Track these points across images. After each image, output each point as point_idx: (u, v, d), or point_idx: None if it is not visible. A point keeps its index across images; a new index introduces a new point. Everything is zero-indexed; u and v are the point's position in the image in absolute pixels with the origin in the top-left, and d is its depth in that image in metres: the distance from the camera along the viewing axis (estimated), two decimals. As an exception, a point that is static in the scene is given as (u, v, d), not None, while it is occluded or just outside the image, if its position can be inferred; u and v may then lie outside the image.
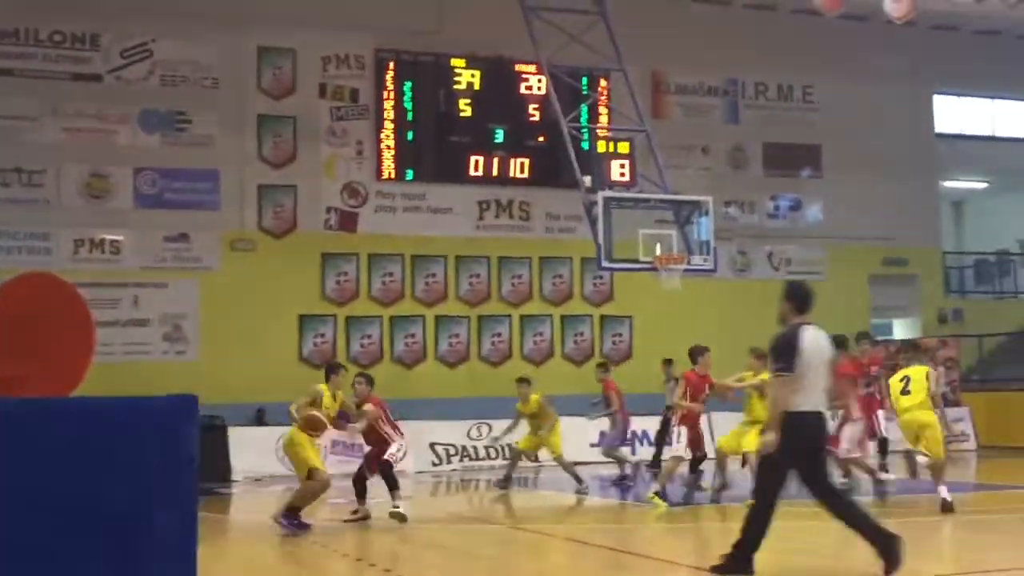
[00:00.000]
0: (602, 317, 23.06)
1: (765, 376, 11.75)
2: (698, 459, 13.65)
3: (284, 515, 11.34)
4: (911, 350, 13.80)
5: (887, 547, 7.31)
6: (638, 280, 20.10)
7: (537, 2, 19.21)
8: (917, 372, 12.17)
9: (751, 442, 11.87)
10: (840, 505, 7.65)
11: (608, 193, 17.46)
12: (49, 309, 4.32)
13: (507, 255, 22.55)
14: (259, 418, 19.47)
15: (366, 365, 20.76)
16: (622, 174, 18.20)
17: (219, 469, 17.41)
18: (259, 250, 21.06)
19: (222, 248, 20.88)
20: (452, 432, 19.54)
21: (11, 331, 4.24)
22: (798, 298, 7.70)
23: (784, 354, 7.43)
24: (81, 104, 20.25)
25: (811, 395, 7.37)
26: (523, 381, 15.81)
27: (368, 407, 12.08)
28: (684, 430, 13.28)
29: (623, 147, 18.51)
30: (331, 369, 12.34)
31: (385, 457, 11.99)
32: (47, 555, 3.80)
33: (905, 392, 12.00)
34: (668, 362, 18.22)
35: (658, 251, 17.66)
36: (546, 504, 15.25)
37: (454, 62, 22.08)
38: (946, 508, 11.42)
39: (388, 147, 21.83)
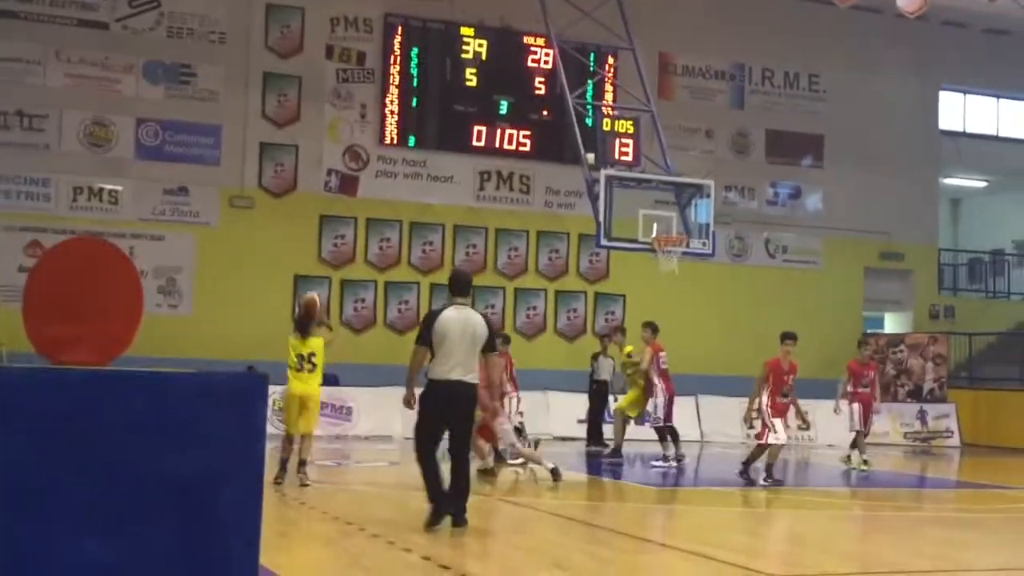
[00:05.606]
0: (596, 294, 23.09)
1: None
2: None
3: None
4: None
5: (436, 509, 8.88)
6: (633, 259, 20.13)
7: (549, -26, 19.10)
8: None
9: None
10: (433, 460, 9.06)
11: (611, 171, 17.43)
12: (98, 272, 4.35)
13: (505, 227, 22.55)
14: (248, 376, 19.49)
15: (359, 329, 20.82)
16: (624, 153, 18.18)
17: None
18: (257, 208, 21.04)
19: (221, 204, 20.85)
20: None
21: (61, 294, 4.28)
22: (451, 282, 9.56)
23: (422, 328, 9.19)
24: (85, 51, 20.14)
25: (446, 365, 8.94)
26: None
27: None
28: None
29: (627, 126, 18.48)
30: None
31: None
32: (115, 525, 3.85)
33: None
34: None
35: (655, 232, 17.66)
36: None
37: (463, 30, 22.00)
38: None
39: (392, 112, 21.77)
